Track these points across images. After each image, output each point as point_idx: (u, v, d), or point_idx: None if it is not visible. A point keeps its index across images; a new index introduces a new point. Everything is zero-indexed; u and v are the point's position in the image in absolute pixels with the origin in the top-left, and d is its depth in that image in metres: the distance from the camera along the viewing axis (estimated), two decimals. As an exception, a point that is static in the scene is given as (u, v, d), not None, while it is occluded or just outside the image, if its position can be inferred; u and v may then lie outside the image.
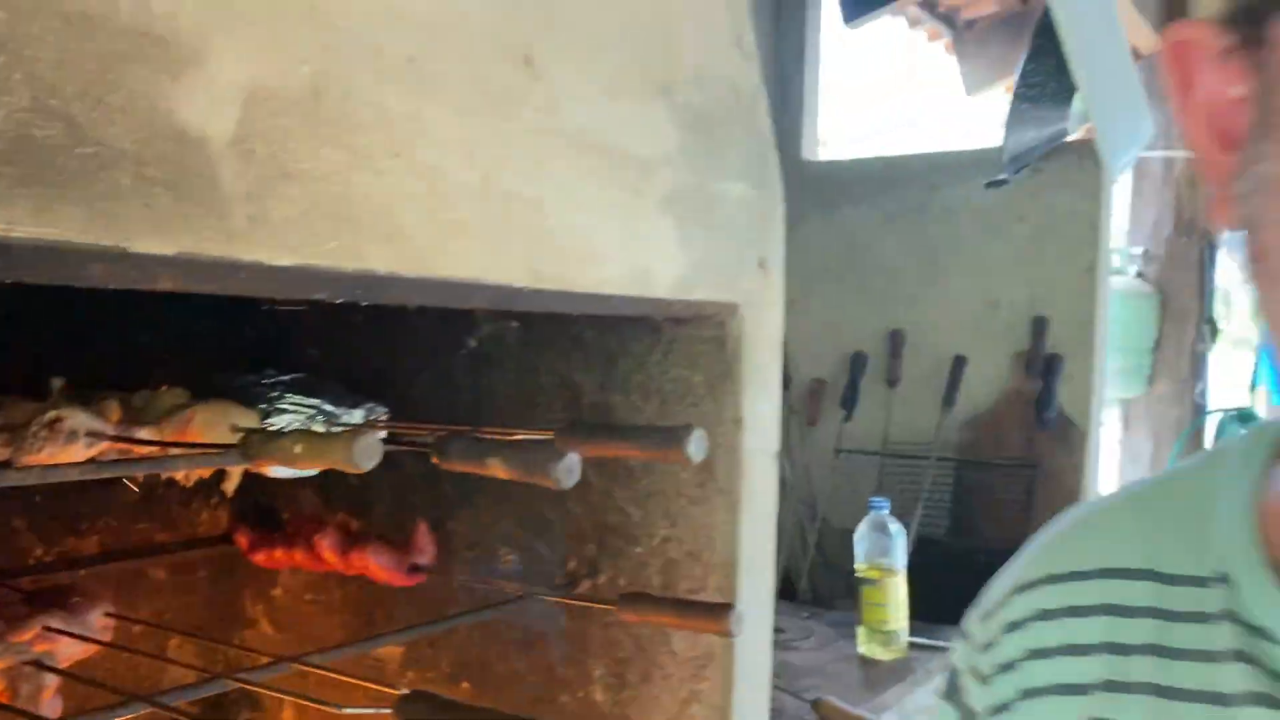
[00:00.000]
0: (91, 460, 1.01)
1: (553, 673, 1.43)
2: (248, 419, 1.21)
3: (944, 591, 1.52)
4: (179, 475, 1.20)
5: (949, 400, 2.75)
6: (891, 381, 2.88)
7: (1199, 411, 4.08)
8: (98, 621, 1.16)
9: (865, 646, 2.03)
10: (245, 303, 1.31)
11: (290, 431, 1.04)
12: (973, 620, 0.61)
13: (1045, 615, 0.56)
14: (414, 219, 0.86)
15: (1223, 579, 0.49)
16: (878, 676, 1.92)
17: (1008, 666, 0.56)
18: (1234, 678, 0.46)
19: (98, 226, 0.65)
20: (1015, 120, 2.43)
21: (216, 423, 1.17)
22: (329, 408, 1.31)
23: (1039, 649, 0.55)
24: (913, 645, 2.06)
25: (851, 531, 2.22)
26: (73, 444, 1.10)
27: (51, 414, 1.10)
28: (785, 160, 3.54)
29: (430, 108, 0.87)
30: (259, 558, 1.52)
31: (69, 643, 1.09)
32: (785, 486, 3.07)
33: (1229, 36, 0.43)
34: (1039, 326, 2.66)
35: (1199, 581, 0.50)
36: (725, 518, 1.30)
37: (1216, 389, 4.14)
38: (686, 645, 1.32)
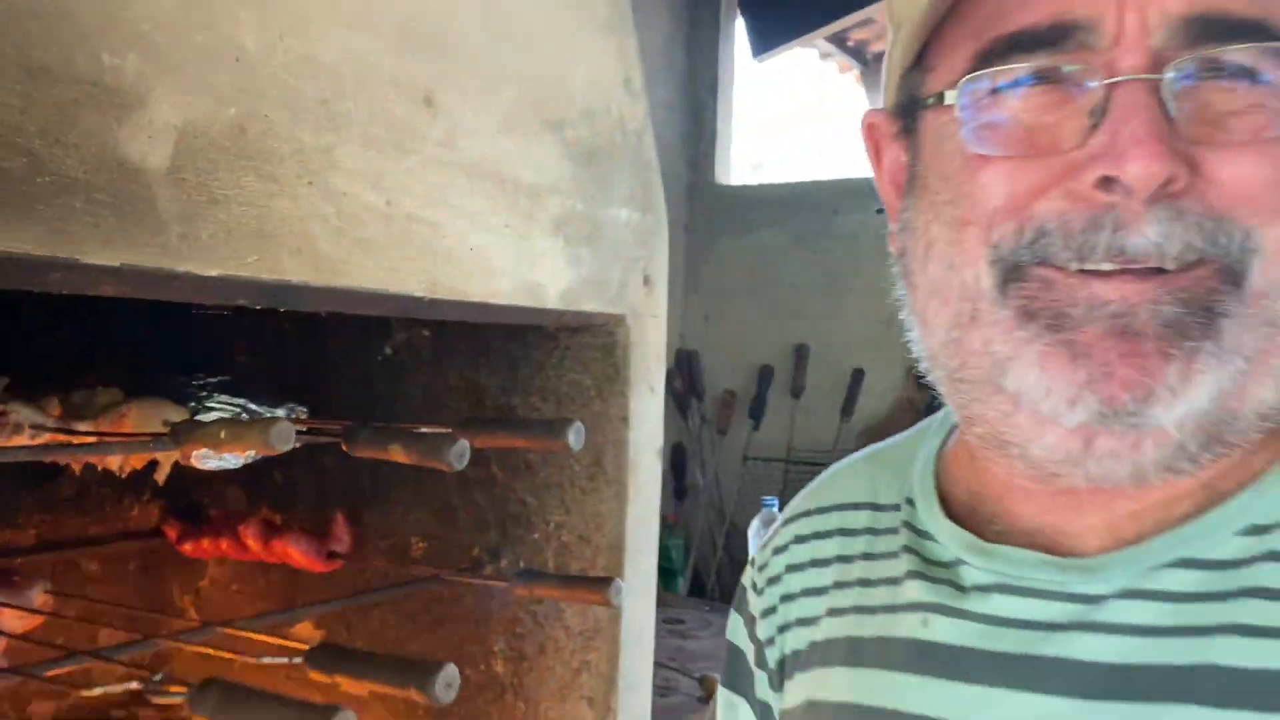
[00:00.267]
0: (39, 445, 1.14)
1: (459, 649, 1.57)
2: (178, 415, 1.34)
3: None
4: (114, 466, 1.32)
5: (848, 410, 2.94)
6: (796, 393, 3.07)
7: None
8: (37, 598, 1.28)
9: (758, 634, 2.19)
10: (177, 312, 1.44)
11: (214, 420, 1.18)
12: (757, 550, 0.78)
13: (799, 539, 0.73)
14: (324, 237, 1.00)
15: (910, 502, 0.66)
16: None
17: (774, 580, 0.73)
18: (904, 565, 0.63)
19: (55, 242, 0.79)
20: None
21: (150, 418, 1.30)
22: (253, 406, 1.45)
23: (794, 564, 0.72)
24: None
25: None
26: (18, 435, 1.22)
27: (-2, 408, 1.23)
28: (700, 184, 3.77)
29: (340, 142, 1.02)
30: (186, 548, 1.64)
31: (12, 615, 1.21)
32: (696, 492, 3.25)
33: (898, 123, 0.60)
34: (928, 341, 2.86)
35: (896, 506, 0.67)
36: (613, 506, 1.46)
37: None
38: (578, 620, 1.47)
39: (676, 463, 3.26)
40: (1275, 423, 0.53)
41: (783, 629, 0.71)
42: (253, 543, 1.56)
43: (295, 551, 1.52)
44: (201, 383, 1.45)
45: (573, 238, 1.33)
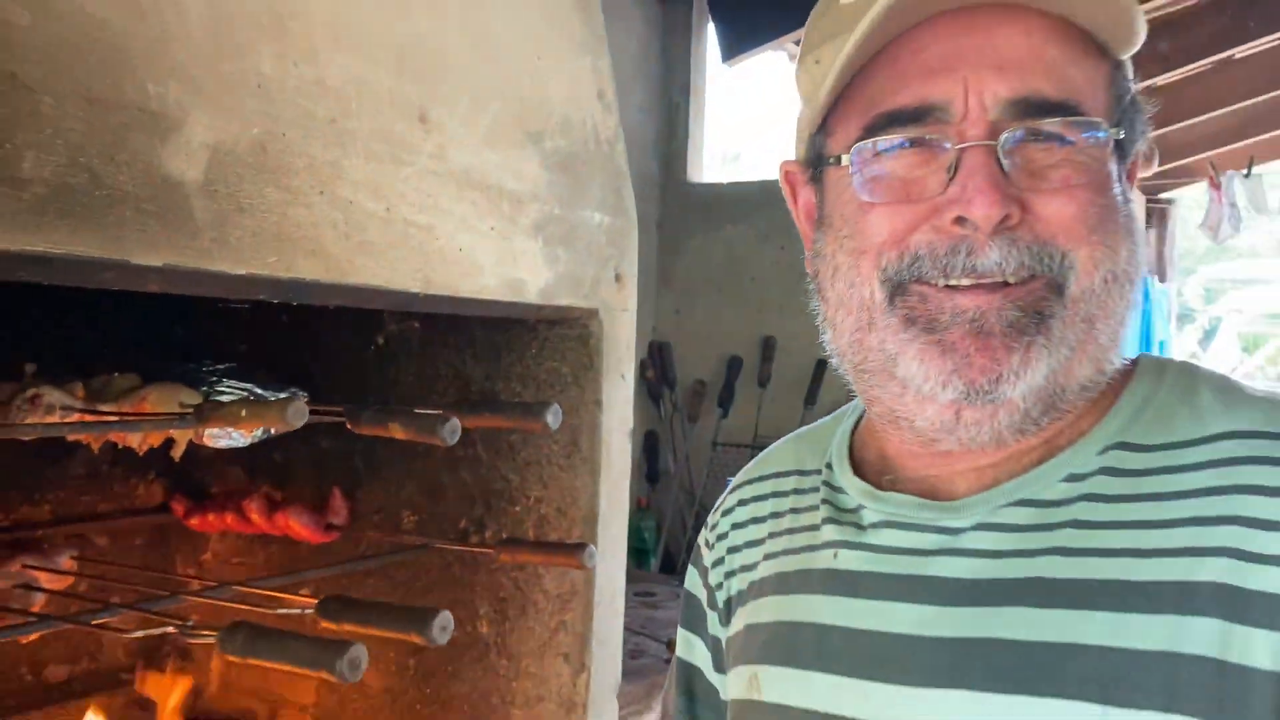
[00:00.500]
0: (78, 422, 1.27)
1: (446, 614, 1.71)
2: (192, 398, 1.47)
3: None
4: (135, 444, 1.45)
5: (811, 398, 3.10)
6: (762, 382, 3.23)
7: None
8: (65, 562, 1.41)
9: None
10: (183, 306, 1.57)
11: (234, 400, 1.31)
12: (711, 515, 0.93)
13: (742, 502, 0.88)
14: (333, 240, 1.15)
15: (829, 466, 0.81)
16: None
17: (722, 536, 0.88)
18: (821, 514, 0.78)
19: (109, 245, 0.93)
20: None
21: (167, 400, 1.44)
22: (259, 390, 1.58)
23: (738, 523, 0.87)
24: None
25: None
26: (50, 415, 1.36)
27: (32, 390, 1.36)
28: (672, 183, 3.92)
29: (346, 157, 1.16)
30: (193, 522, 1.78)
31: (46, 578, 1.34)
32: (668, 476, 3.40)
33: (808, 171, 0.76)
34: (887, 334, 3.02)
35: (817, 471, 0.82)
36: (587, 481, 1.61)
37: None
38: (555, 584, 1.62)
39: (649, 449, 3.41)
40: (1094, 393, 0.69)
41: (729, 575, 0.86)
42: (257, 516, 1.69)
43: (297, 524, 1.66)
44: (210, 369, 1.58)
45: (551, 239, 1.48)
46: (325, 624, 1.14)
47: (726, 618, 0.86)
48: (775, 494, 0.85)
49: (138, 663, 1.94)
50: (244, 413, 1.15)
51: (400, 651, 1.77)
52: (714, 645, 0.89)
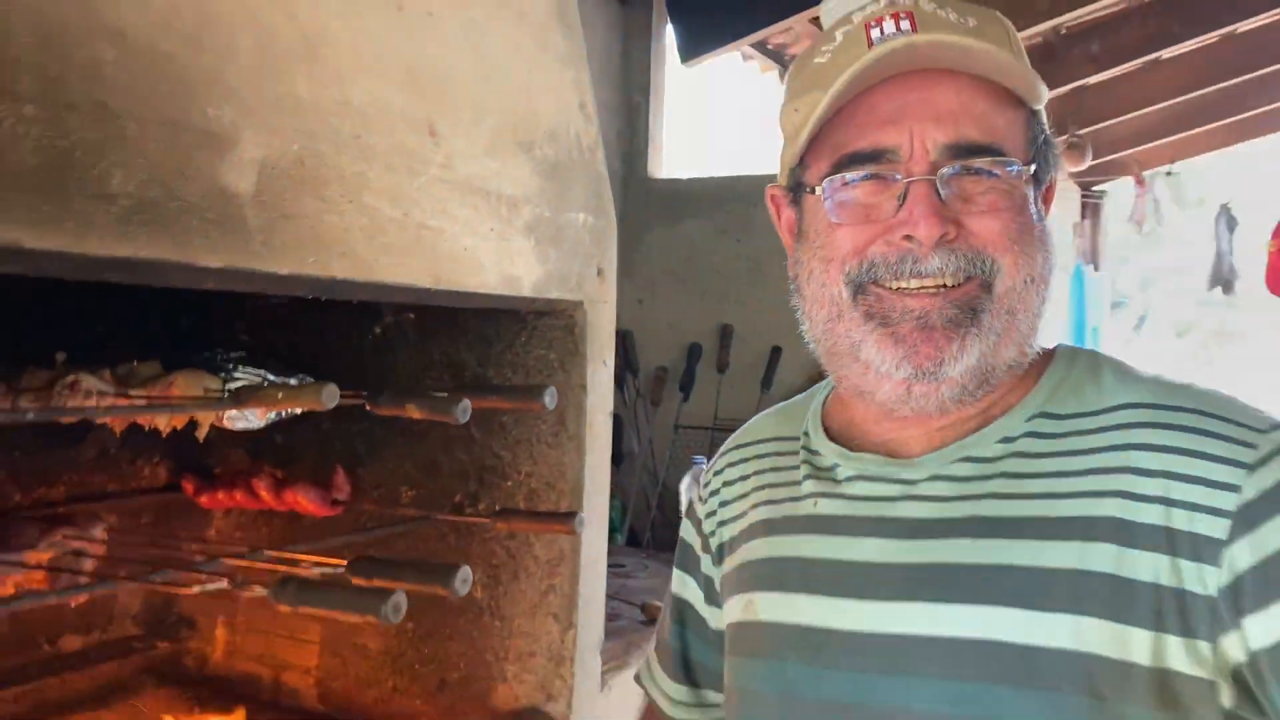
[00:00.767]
0: (126, 405, 1.41)
1: (442, 581, 1.87)
2: (214, 383, 1.61)
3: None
4: (161, 425, 1.59)
5: (767, 383, 3.29)
6: (721, 368, 3.41)
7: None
8: (100, 533, 1.54)
9: (689, 575, 2.55)
10: (190, 300, 1.70)
11: (271, 384, 1.45)
12: (702, 475, 1.10)
13: (730, 464, 1.06)
14: (360, 243, 1.29)
15: (806, 434, 0.99)
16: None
17: (714, 492, 1.06)
18: (802, 471, 0.96)
19: (179, 250, 1.07)
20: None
21: (192, 385, 1.57)
22: (271, 376, 1.72)
23: (728, 481, 1.05)
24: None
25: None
26: (89, 400, 1.49)
27: (71, 377, 1.49)
28: (634, 179, 4.09)
29: (370, 168, 1.31)
30: (203, 499, 1.91)
31: (84, 545, 1.47)
32: (632, 458, 3.57)
33: (789, 195, 0.93)
34: (838, 322, 3.22)
35: (795, 438, 1.00)
36: (573, 457, 1.77)
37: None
38: (544, 550, 1.78)
39: (614, 432, 3.57)
40: (1020, 371, 0.87)
41: (721, 524, 1.04)
42: (265, 493, 1.83)
43: (304, 499, 1.80)
44: (225, 357, 1.72)
45: (542, 239, 1.64)
46: (357, 580, 1.29)
47: (719, 559, 1.03)
48: (758, 457, 1.03)
49: (142, 643, 2.07)
50: (281, 395, 1.30)
51: (398, 617, 1.92)
52: (706, 583, 1.06)
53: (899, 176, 0.83)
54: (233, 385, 1.65)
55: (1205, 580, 0.76)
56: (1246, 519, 0.75)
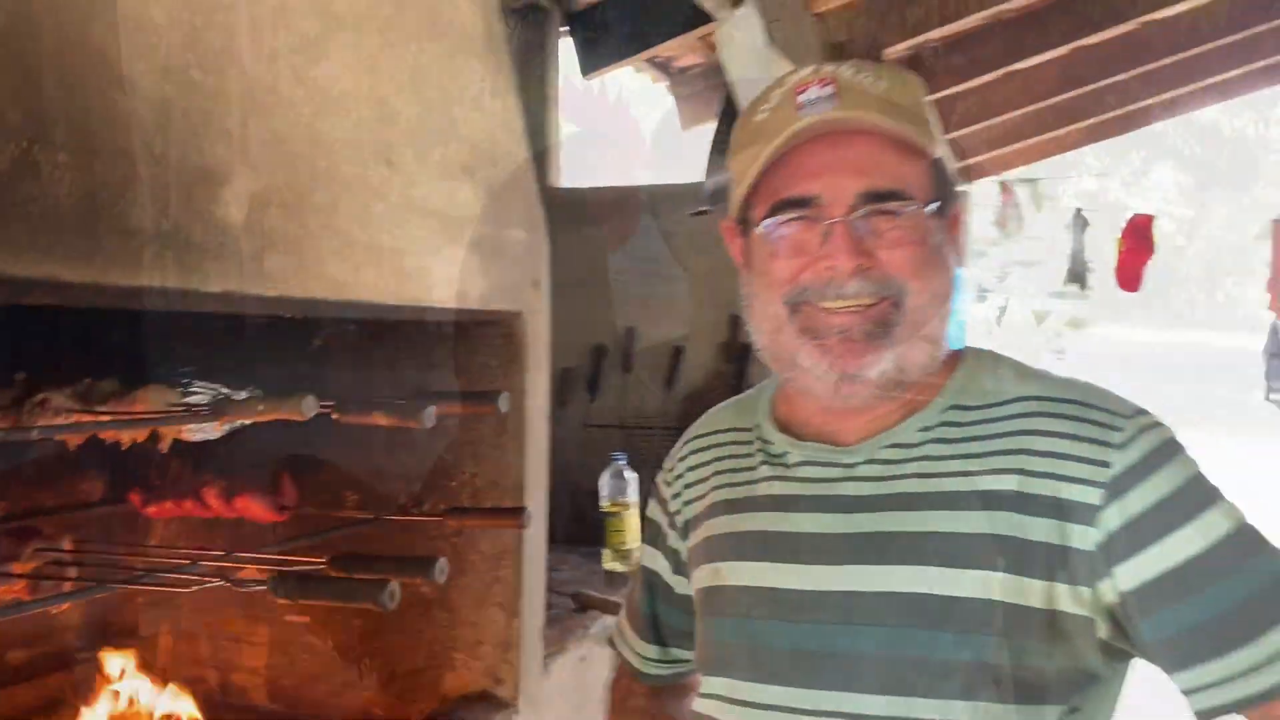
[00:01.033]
0: (108, 421, 1.48)
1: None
2: (174, 396, 1.69)
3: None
4: (124, 439, 1.65)
5: (670, 382, 3.47)
6: (626, 368, 3.58)
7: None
8: (66, 544, 1.61)
9: (609, 563, 2.71)
10: (124, 319, 1.77)
11: (252, 395, 1.55)
12: (666, 461, 1.27)
13: (693, 451, 1.23)
14: (334, 265, 1.41)
15: (758, 426, 1.16)
16: (618, 581, 2.61)
17: (679, 476, 1.23)
18: (758, 458, 1.13)
19: (185, 278, 1.18)
20: (714, 163, 3.17)
21: (155, 399, 1.65)
22: (224, 390, 1.80)
23: (690, 465, 1.22)
24: (645, 564, 2.75)
25: (595, 491, 2.89)
26: (58, 417, 1.56)
27: (41, 395, 1.55)
28: (539, 188, 4.18)
29: (342, 198, 1.43)
30: (151, 510, 1.97)
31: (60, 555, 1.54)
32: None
33: (738, 228, 1.10)
34: (735, 323, 3.42)
35: (748, 428, 1.17)
36: (515, 457, 1.91)
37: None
38: (489, 545, 1.91)
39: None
40: (932, 371, 1.06)
41: (686, 503, 1.21)
42: (215, 501, 1.90)
43: (255, 505, 1.88)
44: (178, 372, 1.79)
45: (485, 255, 1.77)
46: (338, 573, 1.40)
47: (685, 534, 1.20)
48: (716, 445, 1.20)
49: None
50: (261, 406, 1.40)
51: (346, 613, 2.02)
52: (672, 555, 1.23)
53: (822, 220, 1.01)
54: (190, 399, 1.73)
55: (1086, 538, 0.96)
56: (1116, 488, 0.96)
